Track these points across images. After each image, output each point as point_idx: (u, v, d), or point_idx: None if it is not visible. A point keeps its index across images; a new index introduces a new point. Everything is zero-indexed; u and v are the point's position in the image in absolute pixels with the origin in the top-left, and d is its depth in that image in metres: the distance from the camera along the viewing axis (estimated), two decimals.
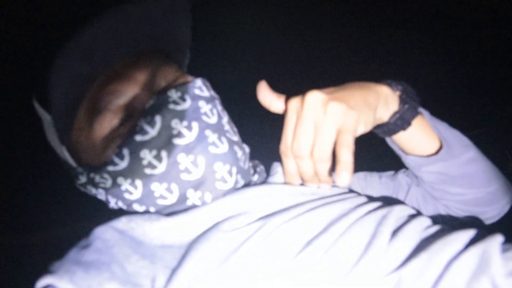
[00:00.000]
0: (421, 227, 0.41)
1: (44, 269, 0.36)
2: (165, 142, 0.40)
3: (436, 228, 0.41)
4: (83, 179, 0.45)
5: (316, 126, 0.36)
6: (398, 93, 0.45)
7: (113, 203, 0.45)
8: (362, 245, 0.37)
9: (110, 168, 0.41)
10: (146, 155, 0.40)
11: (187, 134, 0.41)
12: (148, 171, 0.40)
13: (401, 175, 0.59)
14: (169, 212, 0.43)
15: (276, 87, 0.43)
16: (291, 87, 0.50)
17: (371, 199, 0.48)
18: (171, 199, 0.42)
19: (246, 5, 1.67)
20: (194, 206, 0.42)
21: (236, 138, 0.46)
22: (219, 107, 0.46)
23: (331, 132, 0.36)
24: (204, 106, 0.44)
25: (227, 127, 0.45)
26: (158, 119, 0.40)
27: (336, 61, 1.98)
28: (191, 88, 0.44)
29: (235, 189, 0.44)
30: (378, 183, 0.59)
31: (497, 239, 0.36)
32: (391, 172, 0.61)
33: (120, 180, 0.41)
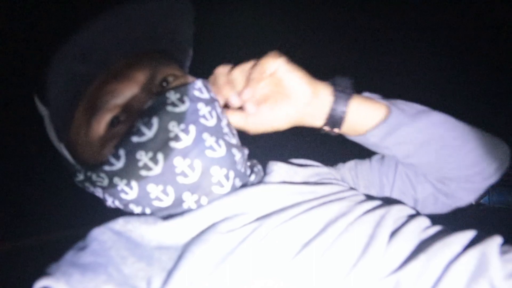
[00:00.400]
0: (420, 228, 0.40)
1: (41, 271, 0.36)
2: (162, 144, 0.40)
3: (434, 229, 0.41)
4: (81, 176, 0.45)
5: None
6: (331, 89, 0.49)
7: (110, 201, 0.45)
8: (360, 246, 0.37)
9: (107, 168, 0.41)
10: (142, 157, 0.40)
11: (184, 138, 0.40)
12: (143, 172, 0.40)
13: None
14: (166, 214, 0.43)
15: None
16: None
17: (369, 197, 0.48)
18: (167, 202, 0.42)
19: (246, 5, 1.67)
20: (190, 209, 0.42)
21: (234, 140, 0.46)
22: (219, 109, 0.46)
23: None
24: (203, 108, 0.43)
25: (226, 129, 0.45)
26: (155, 121, 0.40)
27: (337, 61, 1.98)
28: (191, 90, 0.44)
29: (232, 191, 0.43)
30: (368, 170, 0.59)
31: (496, 241, 0.36)
32: (381, 155, 0.60)
33: (116, 180, 0.41)
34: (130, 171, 0.40)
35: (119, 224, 0.40)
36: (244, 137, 0.50)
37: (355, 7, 1.74)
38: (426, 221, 0.43)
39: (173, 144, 0.40)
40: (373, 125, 0.50)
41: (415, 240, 0.38)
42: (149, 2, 0.42)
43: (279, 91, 0.48)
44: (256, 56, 0.47)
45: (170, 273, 0.35)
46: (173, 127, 0.40)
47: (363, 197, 0.47)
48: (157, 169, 0.40)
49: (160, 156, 0.40)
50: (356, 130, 0.51)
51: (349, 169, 0.60)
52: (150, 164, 0.40)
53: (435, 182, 0.54)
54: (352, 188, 0.52)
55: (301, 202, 0.43)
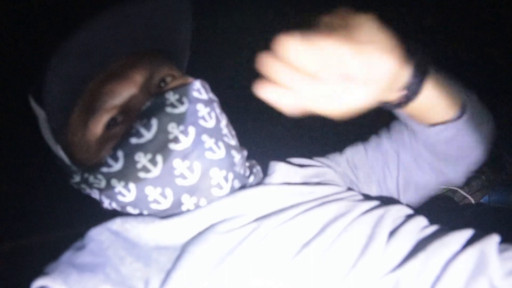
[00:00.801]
0: (418, 228, 0.40)
1: (38, 271, 0.36)
2: (161, 146, 0.40)
3: (433, 228, 0.41)
4: (77, 178, 0.44)
5: None
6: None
7: (107, 203, 0.44)
8: (359, 246, 0.37)
9: (104, 169, 0.41)
10: (141, 159, 0.40)
11: (183, 140, 0.40)
12: (142, 174, 0.40)
13: (385, 140, 0.56)
14: (164, 216, 0.42)
15: None
16: None
17: (367, 197, 0.48)
18: (165, 204, 0.41)
19: (246, 5, 1.67)
20: (188, 211, 0.41)
21: (234, 142, 0.46)
22: (218, 110, 0.46)
23: None
24: (202, 109, 0.43)
25: (225, 130, 0.45)
26: (154, 122, 0.40)
27: None
28: (190, 91, 0.43)
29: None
30: (365, 160, 0.57)
31: (494, 239, 0.36)
32: (375, 140, 0.58)
33: (113, 182, 0.41)
34: (128, 173, 0.40)
35: (116, 223, 0.40)
36: (244, 137, 0.50)
37: (355, 7, 1.74)
38: (424, 221, 0.43)
39: (172, 145, 0.40)
40: (441, 118, 0.45)
41: (414, 240, 0.38)
42: (148, 1, 0.41)
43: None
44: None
45: (168, 273, 0.35)
46: (172, 128, 0.40)
47: (361, 197, 0.47)
48: (155, 171, 0.40)
49: (159, 158, 0.40)
50: (419, 117, 0.45)
51: (347, 160, 0.58)
52: (149, 166, 0.40)
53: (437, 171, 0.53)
54: (350, 189, 0.52)
55: (300, 203, 0.43)
